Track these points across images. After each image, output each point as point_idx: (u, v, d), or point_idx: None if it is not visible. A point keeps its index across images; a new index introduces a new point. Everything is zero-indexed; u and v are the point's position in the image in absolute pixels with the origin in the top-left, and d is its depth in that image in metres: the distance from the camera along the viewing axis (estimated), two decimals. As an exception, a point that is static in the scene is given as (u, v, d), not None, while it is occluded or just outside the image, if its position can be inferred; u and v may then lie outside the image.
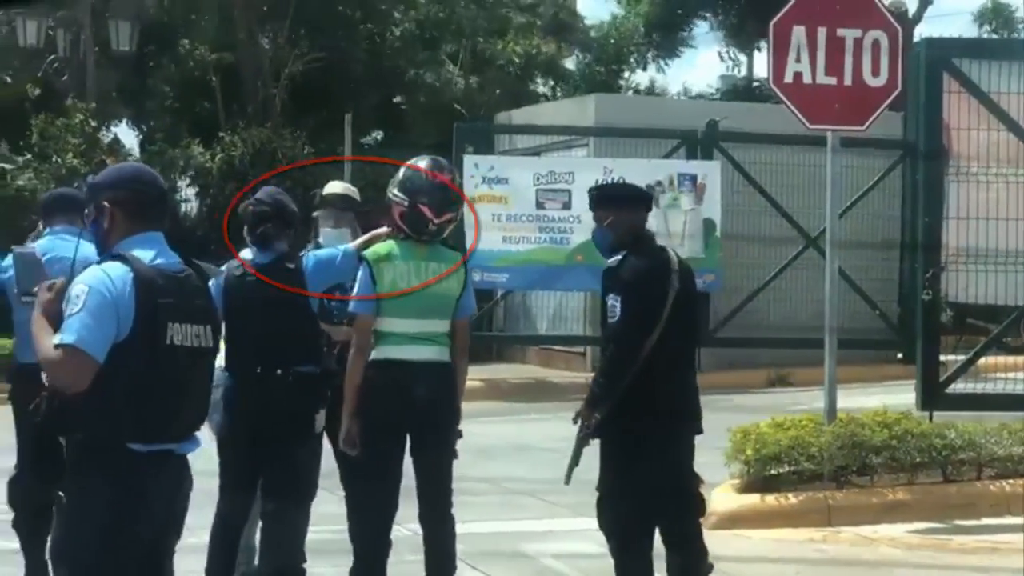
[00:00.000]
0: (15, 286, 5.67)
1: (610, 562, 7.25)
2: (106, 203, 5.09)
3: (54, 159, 22.23)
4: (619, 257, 7.20)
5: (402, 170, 7.22)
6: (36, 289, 5.17)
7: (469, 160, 18.89)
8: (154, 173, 5.37)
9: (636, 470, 7.07)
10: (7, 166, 22.24)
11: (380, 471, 7.05)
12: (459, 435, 7.25)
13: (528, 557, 9.26)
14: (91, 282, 4.87)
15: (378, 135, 28.85)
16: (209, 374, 5.25)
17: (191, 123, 26.83)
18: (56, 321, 4.90)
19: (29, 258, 5.39)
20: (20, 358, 7.65)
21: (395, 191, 7.15)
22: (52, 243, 7.66)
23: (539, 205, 18.75)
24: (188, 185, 25.02)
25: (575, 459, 7.25)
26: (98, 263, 4.98)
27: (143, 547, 4.96)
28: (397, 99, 28.33)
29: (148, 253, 5.01)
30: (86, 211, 5.26)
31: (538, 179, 18.81)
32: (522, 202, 18.76)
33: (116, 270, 4.90)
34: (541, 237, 18.75)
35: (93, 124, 22.92)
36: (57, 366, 4.84)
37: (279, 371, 7.39)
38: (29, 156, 22.63)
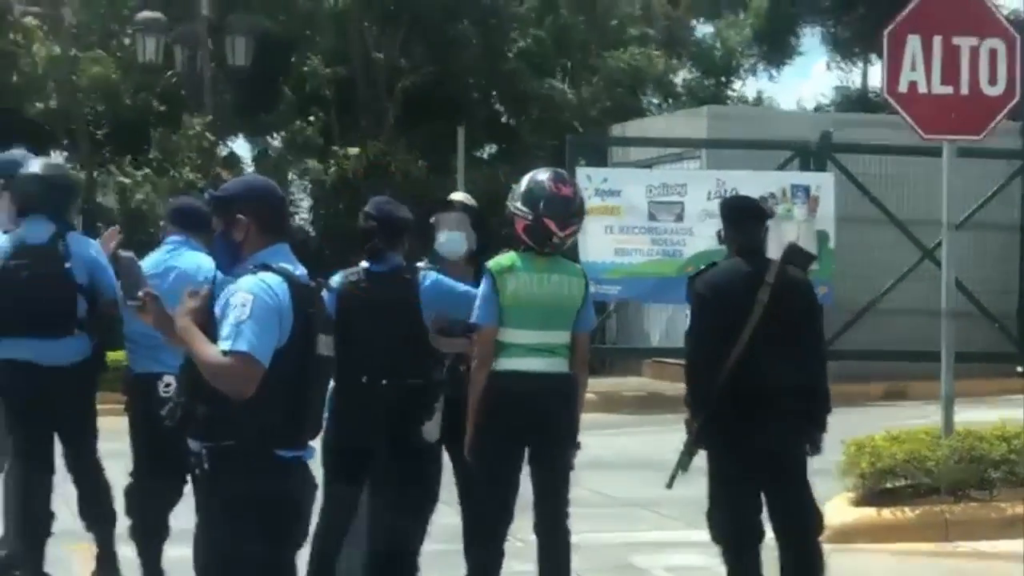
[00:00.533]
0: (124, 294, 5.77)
1: (722, 574, 7.23)
2: (241, 215, 5.15)
3: (172, 173, 22.53)
4: (702, 267, 7.23)
5: (524, 182, 7.23)
6: (140, 293, 5.29)
7: (582, 172, 18.89)
8: (277, 186, 5.47)
9: (735, 478, 7.05)
10: (127, 180, 22.56)
11: (499, 480, 7.07)
12: (578, 447, 7.24)
13: (639, 570, 9.25)
14: (254, 290, 4.96)
15: (491, 148, 28.93)
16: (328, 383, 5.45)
17: (306, 137, 27.05)
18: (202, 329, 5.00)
19: (129, 262, 5.47)
20: (135, 368, 7.79)
21: (518, 204, 7.14)
22: (163, 255, 7.85)
23: (651, 217, 18.73)
24: (303, 199, 25.26)
25: (680, 465, 7.24)
26: (253, 272, 5.06)
27: (295, 551, 5.16)
28: (509, 113, 28.38)
29: (288, 264, 5.12)
30: (214, 223, 5.31)
31: (651, 191, 18.80)
32: (635, 214, 18.75)
33: (272, 279, 5.01)
34: (654, 249, 18.72)
35: (211, 138, 23.21)
36: (227, 373, 4.90)
37: (384, 381, 7.34)
38: (148, 171, 22.95)
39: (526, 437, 7.05)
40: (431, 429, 7.41)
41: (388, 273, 7.41)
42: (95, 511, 8.02)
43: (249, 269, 5.07)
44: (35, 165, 8.13)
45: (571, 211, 7.16)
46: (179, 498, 7.59)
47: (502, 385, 7.00)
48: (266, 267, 5.04)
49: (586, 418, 18.04)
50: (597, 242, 18.66)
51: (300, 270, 5.17)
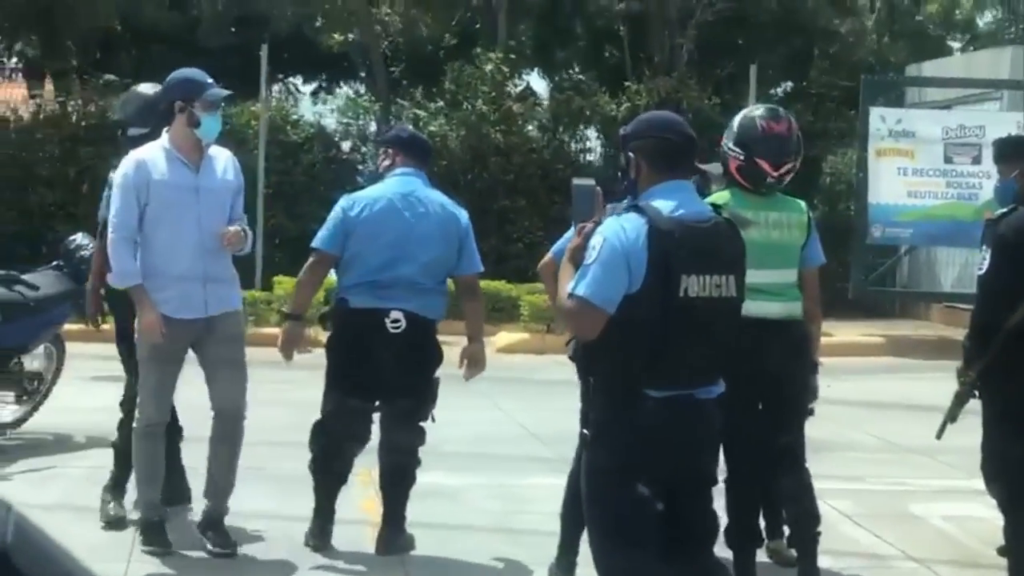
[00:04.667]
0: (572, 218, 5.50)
1: (1000, 525, 7.07)
2: (632, 152, 5.16)
3: (465, 106, 22.84)
4: (1004, 210, 6.96)
5: (736, 122, 7.08)
6: (592, 222, 5.20)
7: (875, 113, 18.55)
8: (682, 121, 5.36)
9: (1013, 432, 6.83)
10: (420, 112, 22.95)
11: (730, 418, 6.93)
12: (814, 393, 7.07)
13: (917, 518, 9.07)
14: (607, 234, 4.94)
15: (787, 86, 28.55)
16: (733, 323, 5.23)
17: (598, 73, 27.12)
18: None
19: (587, 190, 5.44)
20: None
21: (730, 144, 6.99)
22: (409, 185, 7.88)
23: (947, 160, 18.30)
24: (596, 136, 25.32)
25: (949, 415, 7.06)
26: (618, 214, 5.05)
27: (658, 487, 5.02)
28: (804, 51, 27.95)
29: (669, 203, 5.01)
30: (621, 160, 5.29)
31: (947, 133, 18.35)
32: (929, 156, 18.34)
33: (632, 222, 4.94)
34: (948, 192, 18.30)
35: (504, 71, 23.44)
36: (569, 315, 5.08)
37: None
38: (441, 103, 23.31)
39: (756, 380, 6.66)
40: None
41: None
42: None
43: (620, 209, 5.08)
44: None
45: (786, 150, 6.94)
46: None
47: None
48: (636, 208, 4.99)
49: (871, 361, 17.92)
50: (889, 184, 18.34)
51: (693, 208, 5.11)
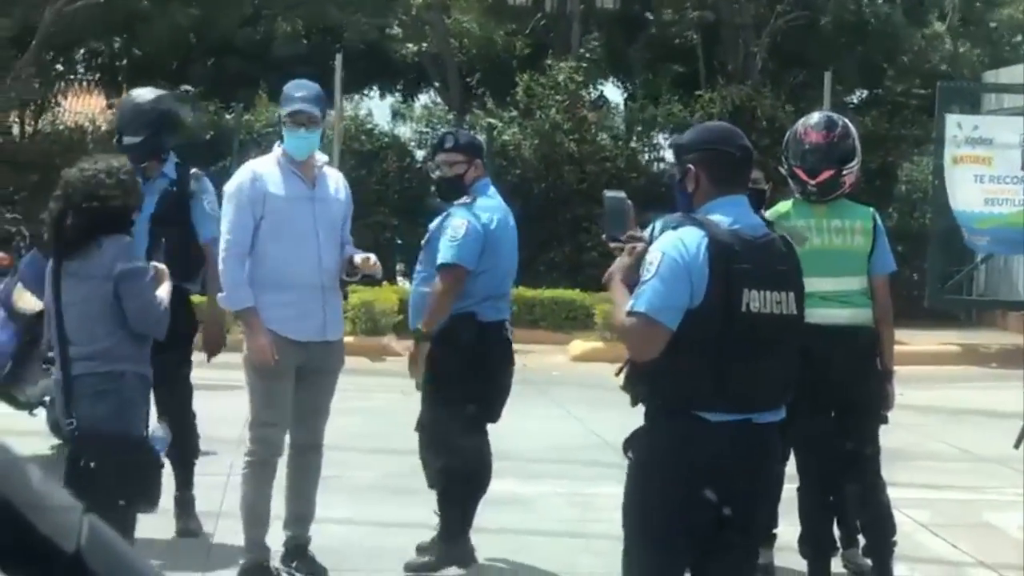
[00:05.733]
0: (603, 230, 5.39)
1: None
2: (691, 165, 4.96)
3: (538, 115, 22.88)
4: None
5: (788, 131, 7.22)
6: (623, 236, 5.09)
7: (951, 120, 18.43)
8: (741, 133, 5.17)
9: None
10: (495, 121, 23.01)
11: (802, 427, 6.92)
12: (886, 402, 7.04)
13: (994, 528, 9.01)
14: (666, 248, 4.77)
15: (862, 94, 28.40)
16: (795, 343, 5.00)
17: (672, 81, 27.09)
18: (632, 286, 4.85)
19: (618, 203, 5.37)
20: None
21: (784, 153, 7.14)
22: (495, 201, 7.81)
23: (1025, 167, 18.14)
24: (669, 145, 25.31)
25: None
26: (674, 228, 4.86)
27: (707, 515, 4.80)
28: (879, 59, 27.80)
29: (726, 218, 4.86)
30: (673, 172, 5.10)
31: (1025, 139, 18.20)
32: (1007, 163, 18.18)
33: (691, 235, 4.77)
34: (1026, 199, 18.14)
35: (578, 80, 23.46)
36: (628, 333, 4.87)
37: None
38: (515, 112, 23.36)
39: (821, 387, 6.62)
40: None
41: None
42: None
43: (674, 223, 4.88)
44: None
45: (824, 157, 6.96)
46: None
47: None
48: (694, 221, 4.82)
49: (947, 370, 17.78)
50: (966, 191, 18.21)
51: (749, 222, 4.93)
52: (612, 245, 5.16)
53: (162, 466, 6.63)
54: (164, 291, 6.56)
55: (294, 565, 7.33)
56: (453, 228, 7.44)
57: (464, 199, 7.57)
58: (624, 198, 5.33)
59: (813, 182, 6.96)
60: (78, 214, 6.32)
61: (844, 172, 7.01)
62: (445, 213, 7.65)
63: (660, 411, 4.88)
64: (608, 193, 5.38)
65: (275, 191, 7.11)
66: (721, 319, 4.71)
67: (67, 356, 6.38)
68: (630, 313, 4.76)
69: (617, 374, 5.10)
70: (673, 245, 4.76)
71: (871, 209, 7.18)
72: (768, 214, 7.03)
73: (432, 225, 7.78)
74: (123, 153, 7.47)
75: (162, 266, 6.70)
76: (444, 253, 7.42)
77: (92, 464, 6.17)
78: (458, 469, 7.61)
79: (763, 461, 4.94)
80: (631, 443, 4.97)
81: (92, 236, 6.35)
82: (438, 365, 7.47)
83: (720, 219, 4.83)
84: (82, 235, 6.33)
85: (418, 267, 7.87)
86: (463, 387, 7.50)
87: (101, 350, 6.32)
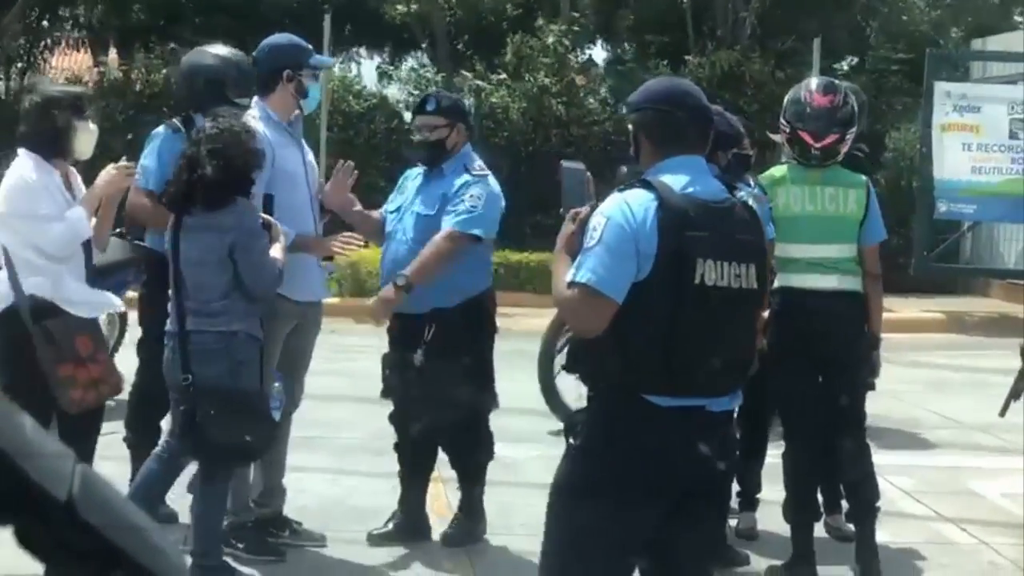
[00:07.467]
0: (564, 201, 5.08)
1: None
2: (630, 124, 4.59)
3: (526, 78, 22.81)
4: None
5: (788, 94, 7.15)
6: (575, 210, 4.67)
7: (940, 88, 18.39)
8: (692, 91, 4.64)
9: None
10: (483, 84, 22.93)
11: (789, 391, 6.96)
12: (873, 369, 7.05)
13: (976, 495, 9.04)
14: (610, 212, 4.29)
15: (852, 60, 28.35)
16: (752, 320, 4.58)
17: (659, 45, 27.01)
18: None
19: (575, 174, 5.18)
20: None
21: (782, 117, 7.07)
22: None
23: (1012, 135, 18.12)
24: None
25: (1013, 392, 7.03)
26: (621, 190, 4.40)
27: (655, 502, 4.33)
28: (867, 25, 27.76)
29: (680, 179, 4.36)
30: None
31: (1013, 108, 18.17)
32: (994, 131, 18.16)
33: (638, 198, 4.28)
34: (1013, 168, 18.11)
35: (566, 44, 23.39)
36: (569, 306, 4.37)
37: None
38: (503, 75, 23.29)
39: (813, 353, 6.84)
40: None
41: None
42: None
43: (624, 186, 4.42)
44: None
45: (830, 121, 6.95)
46: None
47: (783, 301, 6.89)
48: (644, 183, 4.35)
49: (932, 337, 17.80)
50: (953, 159, 18.19)
51: (706, 186, 4.43)
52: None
53: (275, 424, 6.61)
54: (278, 251, 6.52)
55: (286, 534, 7.26)
56: (474, 198, 7.15)
57: (477, 170, 7.30)
58: (583, 169, 5.21)
59: (818, 145, 6.95)
60: (214, 170, 6.26)
61: (847, 136, 7.02)
62: (457, 178, 7.26)
63: (605, 394, 4.41)
64: (565, 163, 5.26)
65: (280, 151, 6.98)
66: (672, 293, 4.23)
67: (183, 311, 6.37)
68: (571, 284, 4.29)
69: (558, 351, 4.86)
70: (618, 209, 4.29)
71: (864, 177, 7.19)
72: (762, 178, 7.05)
73: (409, 175, 7.53)
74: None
75: (277, 224, 6.63)
76: (469, 222, 7.12)
77: (210, 414, 6.18)
78: (489, 450, 7.57)
79: (717, 453, 4.42)
80: (572, 428, 4.49)
81: (220, 193, 6.29)
82: (465, 347, 7.24)
83: (674, 180, 4.36)
84: (212, 191, 6.28)
85: (409, 219, 7.35)
86: (487, 367, 7.44)
87: (217, 308, 6.31)
